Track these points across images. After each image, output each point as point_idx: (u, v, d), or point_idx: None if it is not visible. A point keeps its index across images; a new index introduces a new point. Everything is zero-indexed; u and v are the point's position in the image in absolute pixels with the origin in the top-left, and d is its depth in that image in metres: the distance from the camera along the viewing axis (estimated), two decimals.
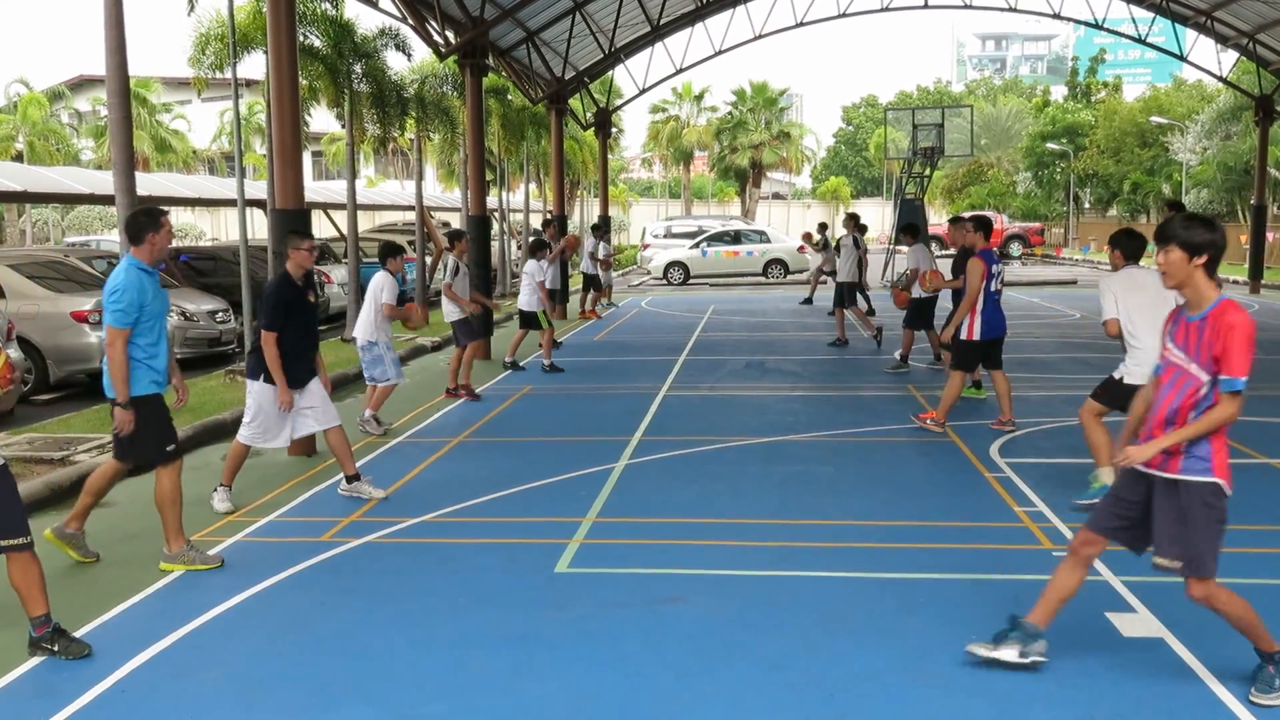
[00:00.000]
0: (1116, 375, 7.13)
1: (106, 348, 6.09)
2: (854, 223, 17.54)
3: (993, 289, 9.67)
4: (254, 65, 46.21)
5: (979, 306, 9.59)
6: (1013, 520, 6.96)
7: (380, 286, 9.97)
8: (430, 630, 5.29)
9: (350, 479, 7.80)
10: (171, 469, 6.38)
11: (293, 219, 9.48)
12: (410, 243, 23.77)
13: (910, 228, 14.50)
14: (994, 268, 9.67)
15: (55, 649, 5.00)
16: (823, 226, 24.37)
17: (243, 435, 7.65)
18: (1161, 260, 4.32)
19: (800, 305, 23.70)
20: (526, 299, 14.08)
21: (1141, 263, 7.29)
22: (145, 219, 6.27)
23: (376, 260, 11.11)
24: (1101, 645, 4.96)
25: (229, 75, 16.46)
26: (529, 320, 14.15)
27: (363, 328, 10.10)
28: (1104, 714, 4.29)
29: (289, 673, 4.83)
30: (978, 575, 5.95)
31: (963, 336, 9.67)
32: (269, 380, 7.46)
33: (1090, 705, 4.36)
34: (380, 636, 5.22)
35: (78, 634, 5.17)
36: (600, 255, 22.14)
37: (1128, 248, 7.32)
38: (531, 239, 15.20)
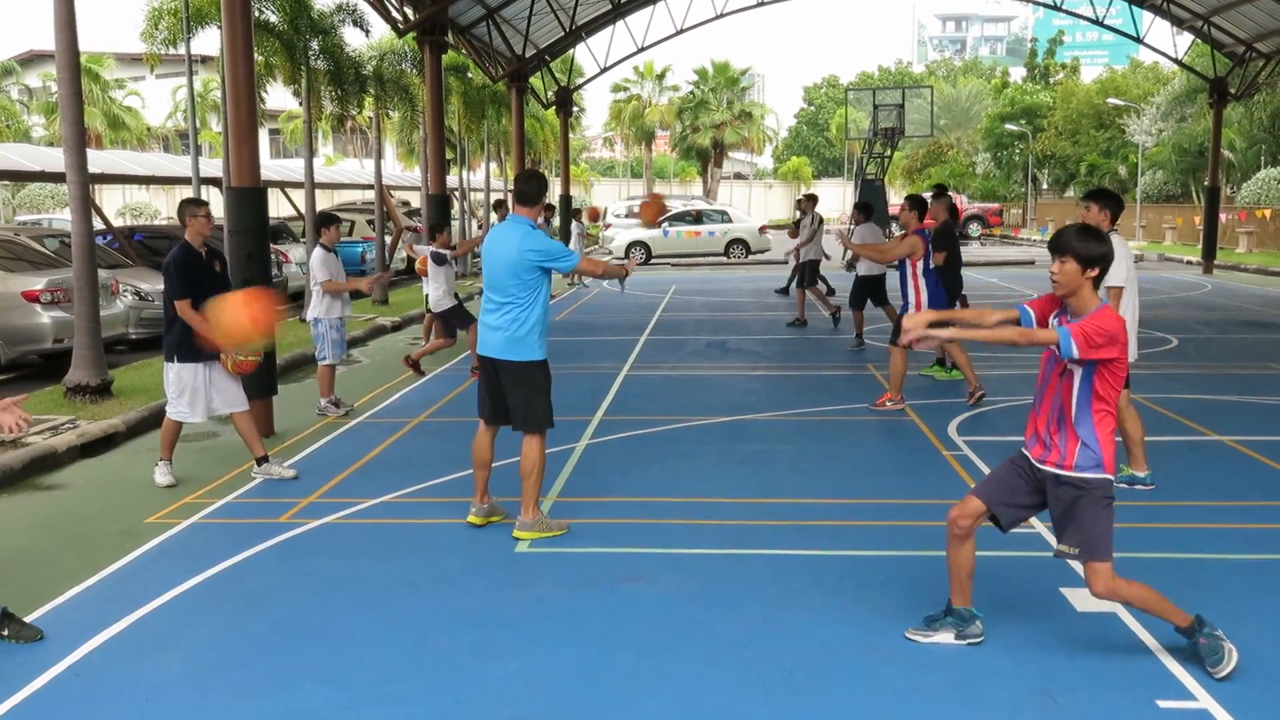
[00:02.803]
0: None
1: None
2: (813, 203, 17.62)
3: (931, 266, 9.89)
4: (209, 41, 45.57)
5: (922, 285, 9.79)
6: None
7: (316, 262, 9.91)
8: (390, 611, 5.27)
9: (260, 461, 7.76)
10: (538, 440, 6.48)
11: (249, 197, 9.36)
12: (370, 222, 23.58)
13: (863, 206, 14.56)
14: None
15: (5, 633, 4.92)
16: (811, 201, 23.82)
17: (171, 412, 7.63)
18: (1056, 270, 4.36)
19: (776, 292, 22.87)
20: None
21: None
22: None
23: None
24: (1055, 619, 5.03)
25: (183, 51, 16.23)
26: None
27: (310, 305, 10.10)
28: (1058, 687, 4.35)
29: (246, 654, 4.79)
30: (935, 552, 5.99)
31: (910, 312, 9.75)
32: (184, 359, 7.42)
33: (1044, 678, 4.42)
34: (339, 618, 5.19)
35: (29, 618, 5.10)
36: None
37: (1114, 209, 7.16)
38: (495, 205, 15.15)
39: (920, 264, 9.90)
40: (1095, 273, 4.30)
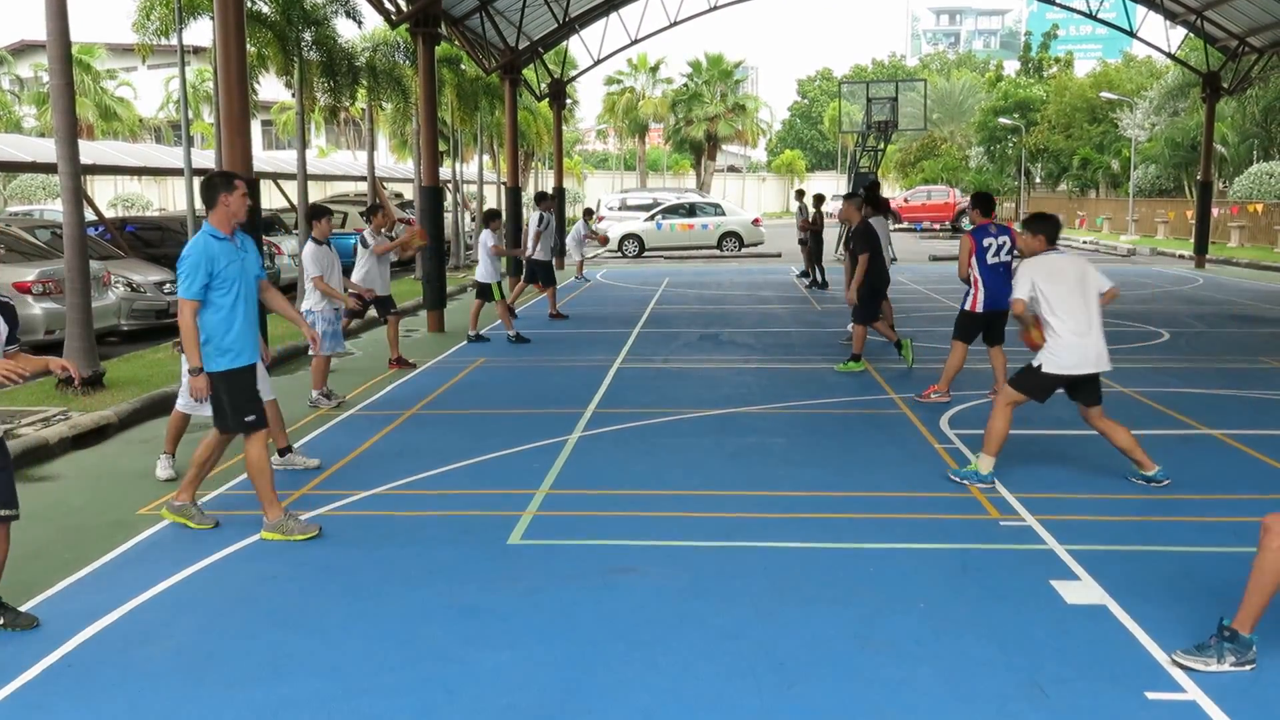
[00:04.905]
0: (1035, 363, 7.00)
1: (179, 316, 6.05)
2: (820, 202, 17.83)
3: (989, 261, 9.50)
4: (201, 32, 45.40)
5: (980, 279, 9.53)
6: (961, 491, 7.05)
7: (307, 257, 9.90)
8: (382, 602, 5.28)
9: (282, 452, 7.76)
10: (256, 439, 6.25)
11: None
12: (363, 214, 23.55)
13: (870, 198, 14.44)
14: (985, 241, 9.48)
15: (1, 622, 4.93)
16: (806, 195, 23.69)
17: (181, 404, 7.57)
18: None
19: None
20: (483, 270, 14.10)
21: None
22: (219, 180, 6.19)
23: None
24: (1045, 612, 5.05)
25: (175, 42, 16.16)
26: (485, 291, 14.18)
27: (303, 298, 10.09)
28: (1048, 679, 4.37)
29: (239, 646, 4.79)
30: (926, 545, 6.03)
31: (965, 307, 9.69)
32: None
33: (1034, 671, 4.45)
34: (331, 609, 5.19)
35: (24, 608, 5.10)
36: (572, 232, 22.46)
37: (1048, 232, 7.19)
38: (486, 210, 15.20)
39: (975, 260, 9.67)
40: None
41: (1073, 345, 6.86)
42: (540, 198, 16.78)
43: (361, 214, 12.65)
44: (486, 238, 14.07)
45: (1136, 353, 12.64)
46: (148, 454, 7.95)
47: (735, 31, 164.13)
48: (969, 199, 10.40)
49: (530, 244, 16.29)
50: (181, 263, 6.04)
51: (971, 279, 9.56)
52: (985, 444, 7.17)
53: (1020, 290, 6.95)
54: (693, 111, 65.02)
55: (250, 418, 6.24)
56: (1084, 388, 7.07)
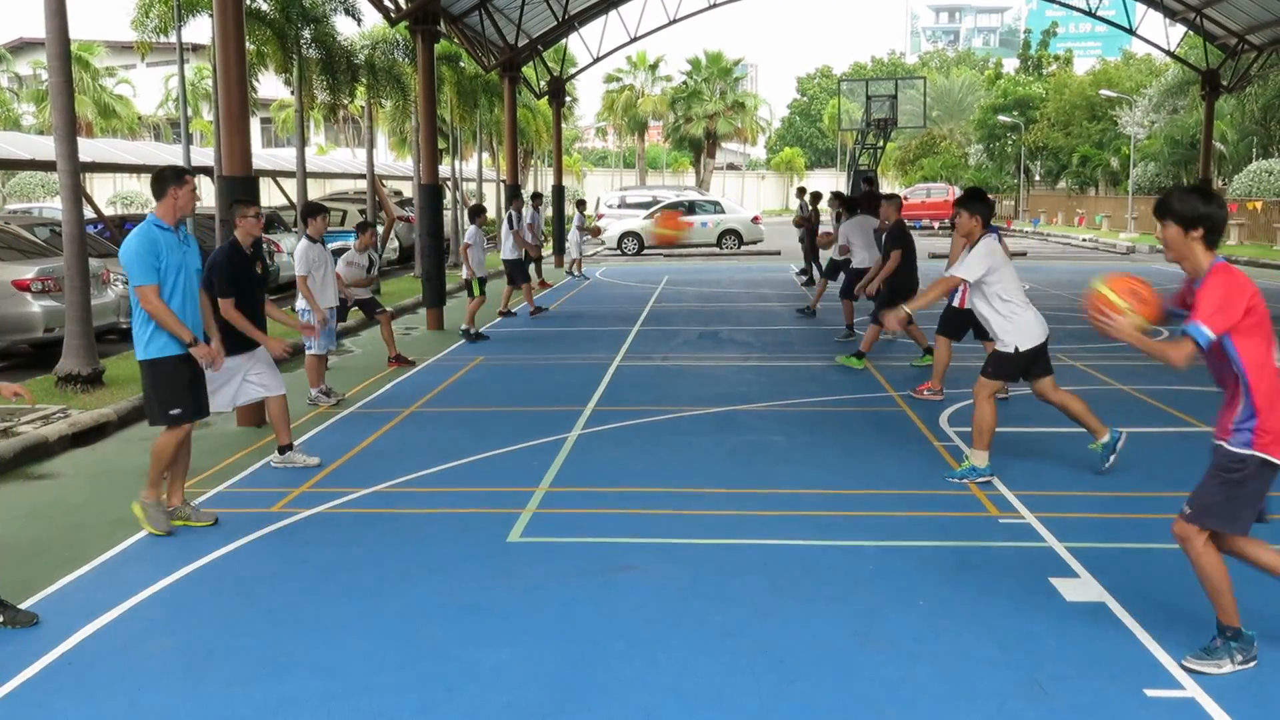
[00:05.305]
0: (1007, 349, 7.08)
1: (142, 305, 6.06)
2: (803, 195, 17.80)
3: None
4: (200, 29, 45.32)
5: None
6: (960, 489, 7.05)
7: (299, 255, 9.88)
8: (381, 600, 5.28)
9: (283, 449, 7.76)
10: (173, 433, 6.28)
11: (241, 186, 9.32)
12: (362, 212, 23.56)
13: (846, 198, 14.43)
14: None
15: (1, 620, 4.93)
16: (807, 193, 23.57)
17: (259, 387, 7.59)
18: (1160, 235, 4.35)
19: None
20: (476, 264, 14.14)
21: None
22: (170, 174, 6.28)
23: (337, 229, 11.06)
24: (1045, 610, 5.05)
25: (174, 39, 16.17)
26: (476, 285, 14.21)
27: (299, 296, 10.09)
28: (1047, 677, 4.37)
29: (239, 643, 4.80)
30: (926, 542, 6.04)
31: (954, 304, 9.69)
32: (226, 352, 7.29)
33: (1033, 668, 4.45)
34: (331, 607, 5.20)
35: (23, 606, 5.10)
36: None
37: (986, 213, 7.30)
38: (471, 204, 15.16)
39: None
40: (1200, 233, 4.27)
41: (1032, 319, 7.13)
42: (513, 194, 16.65)
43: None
44: (472, 234, 14.15)
45: (1135, 350, 12.62)
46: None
47: (734, 29, 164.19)
48: (962, 199, 10.19)
49: (511, 243, 16.12)
50: (126, 253, 6.07)
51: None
52: (975, 440, 7.21)
53: (975, 272, 7.03)
54: (692, 109, 64.98)
55: (176, 410, 6.27)
56: (1041, 358, 7.25)
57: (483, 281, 14.22)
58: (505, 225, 16.04)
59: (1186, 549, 4.44)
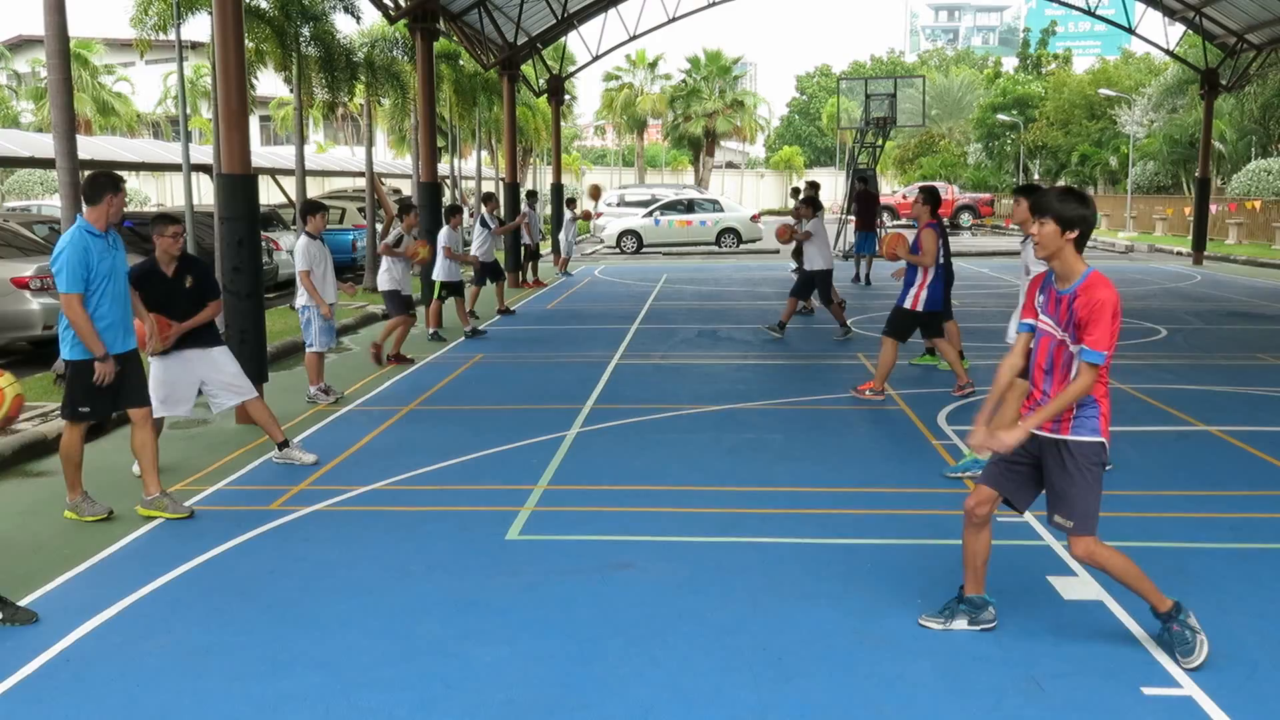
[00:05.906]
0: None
1: (65, 311, 6.23)
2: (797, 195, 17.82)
3: (941, 260, 9.69)
4: (199, 27, 45.14)
5: (927, 280, 9.63)
6: (958, 486, 7.06)
7: (298, 251, 9.86)
8: (380, 597, 5.28)
9: (281, 446, 7.77)
10: (76, 430, 6.56)
11: (240, 184, 9.33)
12: (361, 210, 23.56)
13: (811, 200, 14.47)
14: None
15: (1, 616, 4.94)
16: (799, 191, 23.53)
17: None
18: (1036, 231, 4.40)
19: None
20: (441, 269, 13.98)
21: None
22: (106, 180, 6.35)
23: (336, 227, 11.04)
24: (1043, 607, 5.06)
25: (173, 37, 16.14)
26: (454, 289, 14.11)
27: (299, 293, 10.08)
28: (1044, 674, 4.38)
29: (238, 640, 4.80)
30: (924, 540, 6.05)
31: (905, 305, 9.72)
32: (162, 352, 7.22)
33: (1031, 665, 4.46)
34: (330, 604, 5.20)
35: (22, 603, 5.11)
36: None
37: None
38: (447, 205, 15.00)
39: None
40: (1075, 234, 4.33)
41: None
42: (487, 198, 16.43)
43: (398, 213, 12.52)
44: (444, 235, 13.92)
45: (1134, 349, 12.65)
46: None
47: (734, 28, 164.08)
48: (920, 193, 10.09)
49: (487, 245, 15.95)
50: (57, 258, 6.20)
51: (922, 275, 9.61)
52: (971, 437, 7.20)
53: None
54: (691, 108, 64.94)
55: (84, 409, 6.49)
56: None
57: (454, 285, 14.06)
58: (478, 225, 15.72)
59: (1095, 562, 4.52)
